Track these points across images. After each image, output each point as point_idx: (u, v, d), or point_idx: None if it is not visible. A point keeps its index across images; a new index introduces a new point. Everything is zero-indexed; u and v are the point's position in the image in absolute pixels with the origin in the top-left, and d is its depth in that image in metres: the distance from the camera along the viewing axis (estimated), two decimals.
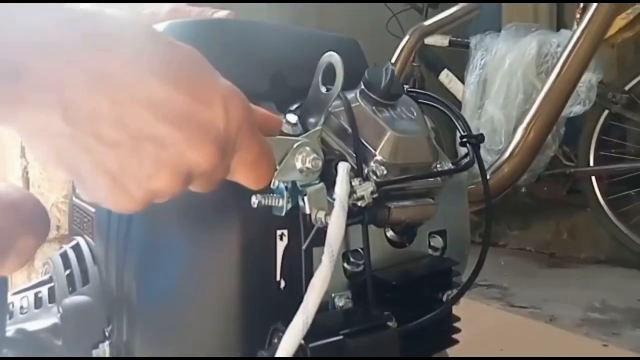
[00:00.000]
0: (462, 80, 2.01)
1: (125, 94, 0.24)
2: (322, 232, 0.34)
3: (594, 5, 0.66)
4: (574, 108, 1.70)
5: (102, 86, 0.23)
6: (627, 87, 1.79)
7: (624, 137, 1.92)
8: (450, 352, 0.65)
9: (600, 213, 1.87)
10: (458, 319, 0.45)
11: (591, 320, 1.37)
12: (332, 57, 0.38)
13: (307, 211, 0.36)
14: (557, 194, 2.04)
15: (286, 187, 0.36)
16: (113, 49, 0.24)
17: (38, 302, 0.46)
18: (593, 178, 1.89)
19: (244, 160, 0.29)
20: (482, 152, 0.50)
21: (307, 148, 0.36)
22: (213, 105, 0.26)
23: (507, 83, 1.81)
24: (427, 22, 1.26)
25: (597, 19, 0.66)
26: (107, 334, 0.39)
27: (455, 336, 0.46)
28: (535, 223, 2.22)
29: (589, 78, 1.69)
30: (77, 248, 0.47)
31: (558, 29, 1.93)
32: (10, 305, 0.44)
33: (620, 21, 1.67)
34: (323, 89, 0.39)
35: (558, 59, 0.66)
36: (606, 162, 1.88)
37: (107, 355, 0.39)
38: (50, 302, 0.45)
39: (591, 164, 1.87)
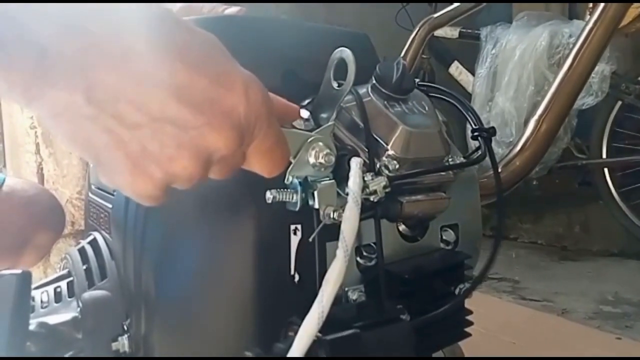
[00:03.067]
0: (473, 73, 1.99)
1: (148, 77, 0.24)
2: (336, 227, 0.35)
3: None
4: (587, 99, 1.69)
5: (125, 68, 0.24)
6: None
7: (638, 128, 1.89)
8: (464, 345, 0.66)
9: (612, 205, 1.85)
10: (470, 312, 0.45)
11: (604, 313, 1.37)
12: (344, 53, 0.38)
13: (317, 206, 0.36)
14: (569, 186, 2.02)
15: (300, 183, 0.36)
16: (136, 33, 0.24)
17: (58, 296, 0.47)
18: (606, 170, 1.87)
19: (261, 147, 0.29)
20: (493, 144, 0.50)
21: (320, 143, 0.36)
22: (234, 91, 0.26)
23: (517, 75, 1.80)
24: (437, 14, 1.25)
25: (610, 8, 0.64)
26: (125, 327, 0.40)
27: (467, 329, 0.46)
28: (547, 216, 2.20)
29: (602, 69, 1.67)
30: (94, 243, 0.48)
31: (570, 19, 1.90)
32: (32, 300, 0.45)
33: (634, 10, 1.64)
34: (335, 85, 0.39)
35: (570, 50, 0.65)
36: (619, 154, 1.85)
37: (127, 348, 0.40)
38: (69, 297, 0.46)
39: (604, 156, 1.85)
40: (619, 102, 1.80)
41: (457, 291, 0.44)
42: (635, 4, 1.59)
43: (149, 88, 0.24)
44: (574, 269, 1.82)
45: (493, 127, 0.51)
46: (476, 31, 2.00)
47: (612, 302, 1.45)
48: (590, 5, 1.72)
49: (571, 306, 1.41)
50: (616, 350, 1.12)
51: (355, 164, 0.36)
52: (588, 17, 0.68)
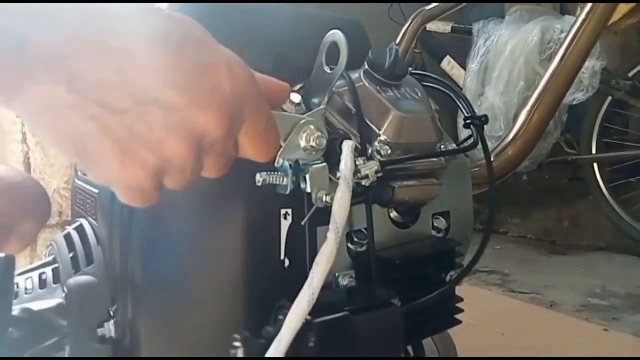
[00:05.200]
0: (465, 68, 2.00)
1: (129, 62, 0.24)
2: (327, 211, 0.34)
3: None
4: (578, 95, 1.69)
5: (106, 57, 0.23)
6: (630, 74, 1.77)
7: (627, 124, 1.91)
8: (453, 335, 0.66)
9: (602, 200, 1.87)
10: (461, 299, 0.45)
11: (592, 306, 1.38)
12: (336, 36, 0.38)
13: (309, 190, 0.36)
14: (559, 181, 2.04)
15: (290, 166, 0.36)
16: (114, 23, 0.24)
17: (43, 283, 0.46)
18: (595, 165, 1.88)
19: (252, 131, 0.29)
20: None
21: (312, 126, 0.36)
22: (218, 69, 0.26)
23: (508, 70, 1.80)
24: (429, 7, 1.25)
25: (599, 7, 0.65)
26: (112, 313, 0.40)
27: (458, 317, 0.46)
28: (536, 211, 2.22)
29: (593, 65, 1.67)
30: (80, 229, 0.47)
31: (562, 14, 1.91)
32: (16, 286, 0.44)
33: (624, 7, 1.65)
34: (327, 69, 0.39)
35: (561, 45, 0.66)
36: (609, 150, 1.87)
37: (113, 334, 0.39)
38: (55, 283, 0.45)
39: (594, 151, 1.87)
40: (609, 98, 1.81)
41: (448, 278, 0.44)
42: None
43: (132, 73, 0.24)
44: (562, 263, 1.84)
45: (485, 116, 0.51)
46: (468, 26, 2.00)
47: (600, 295, 1.46)
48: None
49: (560, 299, 1.42)
50: (604, 342, 1.13)
51: (348, 147, 0.36)
52: (579, 12, 0.68)
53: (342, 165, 0.35)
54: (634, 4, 1.63)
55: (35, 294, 0.44)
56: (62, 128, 0.24)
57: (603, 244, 1.96)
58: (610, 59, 1.72)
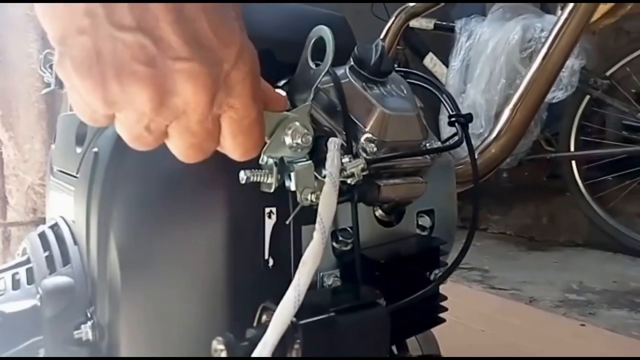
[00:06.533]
0: (447, 65, 2.01)
1: None
2: (312, 210, 0.34)
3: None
4: (557, 93, 1.72)
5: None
6: (608, 73, 1.81)
7: (604, 122, 1.95)
8: (435, 332, 0.66)
9: (579, 197, 1.90)
10: (445, 297, 0.45)
11: (569, 301, 1.41)
12: (322, 31, 0.37)
13: (294, 188, 0.35)
14: (538, 178, 2.07)
15: (275, 164, 0.35)
16: None
17: (16, 283, 0.44)
18: (573, 163, 1.92)
19: (236, 121, 0.28)
20: None
21: (297, 123, 0.35)
22: (228, 48, 0.26)
23: (489, 68, 1.82)
24: (412, 4, 1.25)
25: (580, 7, 0.66)
26: (89, 314, 0.38)
27: (441, 315, 0.46)
28: (515, 207, 2.25)
29: (572, 64, 1.70)
30: (56, 228, 0.46)
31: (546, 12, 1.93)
32: None
33: (602, 7, 1.68)
34: (312, 65, 0.38)
35: (543, 44, 0.66)
36: (586, 148, 1.90)
37: (90, 337, 0.38)
38: (29, 284, 0.43)
39: (572, 149, 1.90)
40: (587, 97, 1.84)
41: (432, 277, 0.44)
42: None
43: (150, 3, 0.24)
44: (541, 258, 1.87)
45: (470, 113, 0.51)
46: (451, 23, 2.01)
47: (577, 290, 1.49)
48: None
49: (538, 294, 1.44)
50: (581, 336, 1.15)
51: (333, 144, 0.35)
52: (559, 12, 0.69)
53: (328, 163, 0.34)
54: (612, 4, 1.66)
55: (7, 295, 0.43)
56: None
57: (580, 240, 2.00)
58: (588, 58, 1.75)
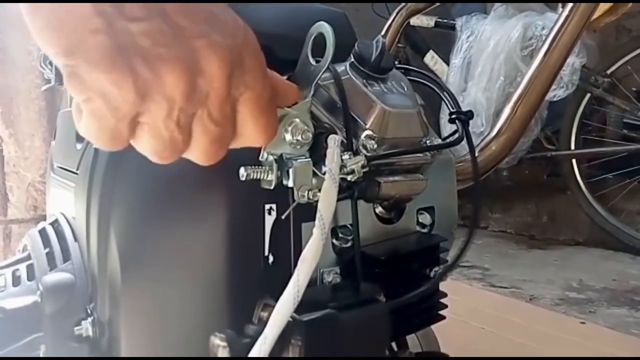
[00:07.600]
0: (448, 63, 2.00)
1: None
2: (312, 207, 0.34)
3: None
4: (558, 92, 1.72)
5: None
6: (609, 71, 1.80)
7: (605, 121, 1.95)
8: (435, 330, 0.66)
9: (579, 196, 1.90)
10: (445, 295, 0.45)
11: (569, 299, 1.41)
12: (323, 27, 0.37)
13: (291, 185, 0.35)
14: (538, 177, 2.07)
15: (275, 160, 0.35)
16: None
17: (16, 280, 0.44)
18: (574, 161, 1.91)
19: (258, 103, 0.29)
20: None
21: (297, 120, 0.35)
22: (233, 27, 0.27)
23: (490, 65, 1.81)
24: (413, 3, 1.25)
25: (580, 6, 0.66)
26: (89, 311, 0.38)
27: (441, 312, 0.46)
28: (516, 206, 2.25)
29: (573, 61, 1.70)
30: (56, 224, 0.46)
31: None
32: None
33: (603, 5, 1.67)
34: (312, 61, 0.38)
35: (544, 42, 0.66)
36: (587, 146, 1.90)
37: (90, 333, 0.38)
38: (29, 280, 0.43)
39: (572, 147, 1.90)
40: (588, 95, 1.84)
41: (432, 274, 0.44)
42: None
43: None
44: (541, 257, 1.87)
45: (470, 111, 0.51)
46: (452, 21, 2.01)
47: (577, 288, 1.49)
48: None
49: (538, 293, 1.45)
50: (581, 334, 1.16)
51: (333, 141, 0.35)
52: (560, 9, 0.69)
53: (328, 160, 0.34)
54: (612, 3, 1.66)
55: (8, 292, 0.43)
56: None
57: (580, 238, 2.00)
58: (589, 56, 1.75)
